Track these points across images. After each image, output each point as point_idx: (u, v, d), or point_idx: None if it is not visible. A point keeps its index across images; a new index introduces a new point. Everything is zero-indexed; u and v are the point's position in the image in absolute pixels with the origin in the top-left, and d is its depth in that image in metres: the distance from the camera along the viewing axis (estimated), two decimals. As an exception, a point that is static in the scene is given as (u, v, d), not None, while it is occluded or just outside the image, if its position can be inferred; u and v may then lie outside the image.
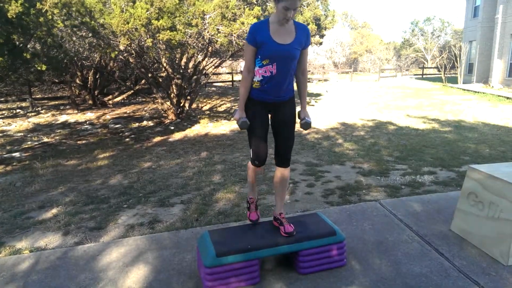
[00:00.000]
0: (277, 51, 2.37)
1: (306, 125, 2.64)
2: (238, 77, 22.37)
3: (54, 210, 4.10)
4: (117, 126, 10.09)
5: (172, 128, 9.53)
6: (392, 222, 3.33)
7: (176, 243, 3.06)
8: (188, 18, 7.64)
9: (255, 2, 9.67)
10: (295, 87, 2.72)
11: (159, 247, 3.01)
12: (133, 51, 8.73)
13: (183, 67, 10.44)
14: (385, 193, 4.29)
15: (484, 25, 20.17)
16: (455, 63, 22.71)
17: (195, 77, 10.93)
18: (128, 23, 7.00)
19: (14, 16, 5.55)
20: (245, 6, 8.92)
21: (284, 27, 2.40)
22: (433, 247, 2.88)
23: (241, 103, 2.55)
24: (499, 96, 14.29)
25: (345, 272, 2.59)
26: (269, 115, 2.65)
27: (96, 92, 14.36)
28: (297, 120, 2.70)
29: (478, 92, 15.94)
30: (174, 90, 10.34)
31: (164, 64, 9.99)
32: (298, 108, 2.70)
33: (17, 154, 7.02)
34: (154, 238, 3.18)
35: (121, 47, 7.93)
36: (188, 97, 11.04)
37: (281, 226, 2.65)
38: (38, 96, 16.10)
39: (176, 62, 10.46)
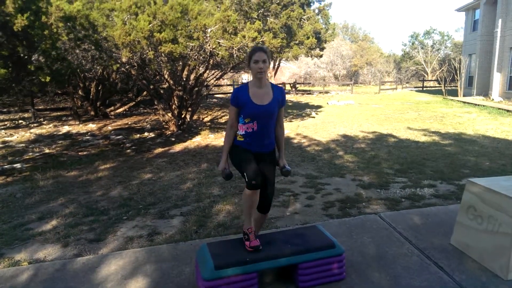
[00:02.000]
0: (257, 111, 2.64)
1: (287, 172, 2.85)
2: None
3: (54, 222, 4.10)
4: (118, 137, 10.13)
5: (173, 139, 9.57)
6: (392, 235, 3.32)
7: (175, 256, 3.06)
8: (190, 31, 7.74)
9: (256, 17, 9.80)
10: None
11: (158, 259, 3.01)
12: (135, 63, 8.82)
13: (184, 79, 10.53)
14: (385, 206, 4.28)
15: (483, 38, 20.32)
16: (455, 76, 22.82)
17: (196, 89, 11.01)
18: (130, 35, 7.09)
19: (20, 29, 5.63)
20: (246, 20, 9.04)
21: (262, 89, 2.68)
22: (433, 260, 2.87)
23: (224, 155, 2.78)
24: (499, 109, 14.32)
25: (345, 286, 2.58)
26: None
27: (98, 103, 14.44)
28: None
29: (478, 105, 15.99)
30: (176, 102, 10.40)
31: (166, 76, 10.08)
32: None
33: (18, 165, 7.04)
34: (153, 250, 3.18)
35: (124, 59, 8.01)
36: (189, 109, 11.10)
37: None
38: (40, 107, 16.19)
39: (178, 74, 10.55)
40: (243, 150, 2.73)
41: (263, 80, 2.69)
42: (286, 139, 7.44)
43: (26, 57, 6.31)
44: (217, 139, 9.46)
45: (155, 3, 7.34)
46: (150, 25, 7.22)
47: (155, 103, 10.81)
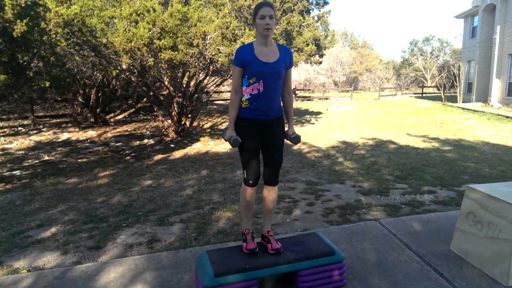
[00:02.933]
0: (263, 69, 2.50)
1: (296, 139, 2.74)
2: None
3: (53, 229, 4.09)
4: (118, 144, 10.13)
5: (173, 146, 9.57)
6: (392, 242, 3.31)
7: (175, 263, 3.05)
8: (190, 38, 7.78)
9: (253, 25, 9.85)
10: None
11: (157, 267, 2.99)
12: (135, 70, 8.85)
13: (184, 85, 10.56)
14: (385, 212, 4.28)
15: (482, 45, 20.42)
16: (454, 83, 22.91)
17: (196, 95, 11.03)
18: (131, 41, 7.13)
19: (19, 35, 5.66)
20: (246, 27, 9.09)
21: (268, 48, 2.55)
22: (433, 267, 2.86)
23: (231, 123, 2.63)
24: (498, 115, 14.36)
25: (345, 293, 2.57)
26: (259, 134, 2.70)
27: (98, 110, 14.46)
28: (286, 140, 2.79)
29: (478, 111, 16.03)
30: (175, 108, 10.42)
31: (166, 83, 10.11)
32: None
33: (17, 172, 7.03)
34: (153, 258, 3.16)
35: (124, 66, 8.04)
36: (189, 115, 11.12)
37: (268, 243, 2.66)
38: (40, 114, 16.21)
39: (178, 80, 10.58)
40: (248, 132, 2.59)
41: (270, 38, 2.55)
42: (285, 145, 7.47)
43: (25, 63, 6.33)
44: (217, 146, 9.46)
45: (154, 10, 7.39)
46: (150, 32, 7.26)
47: (155, 109, 10.83)
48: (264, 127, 2.65)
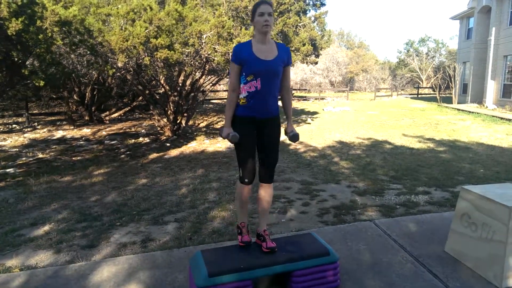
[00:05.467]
0: (260, 67, 2.51)
1: (294, 137, 2.75)
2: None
3: (46, 228, 4.06)
4: (113, 142, 10.08)
5: (168, 144, 9.54)
6: (387, 243, 3.32)
7: (169, 263, 3.03)
8: (186, 37, 7.75)
9: (251, 23, 9.84)
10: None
11: (151, 266, 2.98)
12: (131, 69, 8.80)
13: (180, 84, 10.53)
14: (380, 213, 4.28)
15: (477, 46, 20.53)
16: (450, 84, 23.01)
17: (192, 94, 11.00)
18: (127, 40, 7.09)
19: (14, 33, 5.61)
20: (242, 26, 9.07)
21: (266, 45, 2.57)
22: (427, 268, 2.87)
23: (228, 120, 2.65)
24: (493, 116, 14.44)
25: (339, 294, 2.57)
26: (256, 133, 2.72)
27: (93, 108, 14.40)
28: (284, 137, 2.77)
29: (473, 112, 16.11)
30: (171, 107, 10.39)
31: (162, 82, 10.07)
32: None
33: (11, 170, 6.98)
34: (147, 257, 3.15)
35: (120, 64, 8.00)
36: (185, 114, 11.09)
37: (263, 242, 2.69)
38: (35, 112, 16.11)
39: (174, 79, 10.55)
40: (245, 130, 2.61)
41: (268, 35, 2.57)
42: (281, 145, 7.43)
43: (20, 61, 6.28)
44: (213, 145, 9.44)
45: (151, 9, 7.35)
46: (147, 30, 7.23)
47: (151, 108, 10.79)
48: (261, 125, 2.66)
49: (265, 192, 2.79)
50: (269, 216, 4.21)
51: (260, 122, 2.65)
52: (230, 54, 8.17)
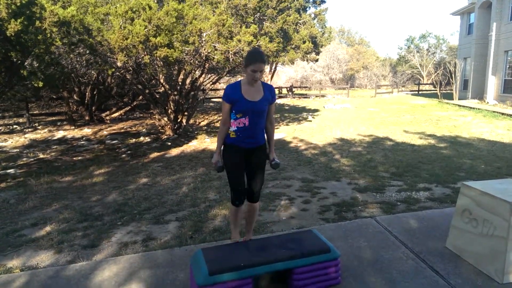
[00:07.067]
0: (248, 106, 2.79)
1: (276, 165, 3.02)
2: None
3: (47, 228, 4.06)
4: (113, 142, 10.09)
5: (169, 144, 9.54)
6: (388, 239, 3.31)
7: (170, 262, 3.03)
8: (185, 36, 7.73)
9: (252, 21, 9.81)
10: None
11: (152, 265, 2.98)
12: (130, 68, 8.80)
13: (180, 83, 10.52)
14: (381, 210, 4.27)
15: (478, 42, 20.45)
16: (450, 80, 22.94)
17: (192, 93, 10.99)
18: (127, 39, 7.08)
19: (13, 34, 5.60)
20: (242, 25, 9.05)
21: (253, 87, 2.84)
22: (428, 264, 2.86)
23: (218, 149, 2.95)
24: (494, 112, 14.40)
25: (340, 291, 2.56)
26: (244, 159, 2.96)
27: (93, 108, 14.40)
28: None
29: (474, 108, 16.06)
30: (172, 106, 10.38)
31: (161, 81, 10.06)
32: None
33: (12, 171, 6.99)
34: (148, 256, 3.15)
35: (119, 64, 7.99)
36: (186, 113, 11.08)
37: None
38: (35, 112, 16.11)
39: (174, 78, 10.54)
40: (234, 157, 2.88)
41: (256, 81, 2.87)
42: (282, 143, 7.44)
43: (19, 62, 6.28)
44: (214, 143, 9.43)
45: (150, 8, 7.33)
46: (146, 29, 7.21)
47: (151, 107, 10.78)
48: (249, 153, 2.92)
49: (252, 208, 3.08)
50: (270, 214, 4.22)
51: (248, 150, 2.90)
52: (231, 52, 8.18)
